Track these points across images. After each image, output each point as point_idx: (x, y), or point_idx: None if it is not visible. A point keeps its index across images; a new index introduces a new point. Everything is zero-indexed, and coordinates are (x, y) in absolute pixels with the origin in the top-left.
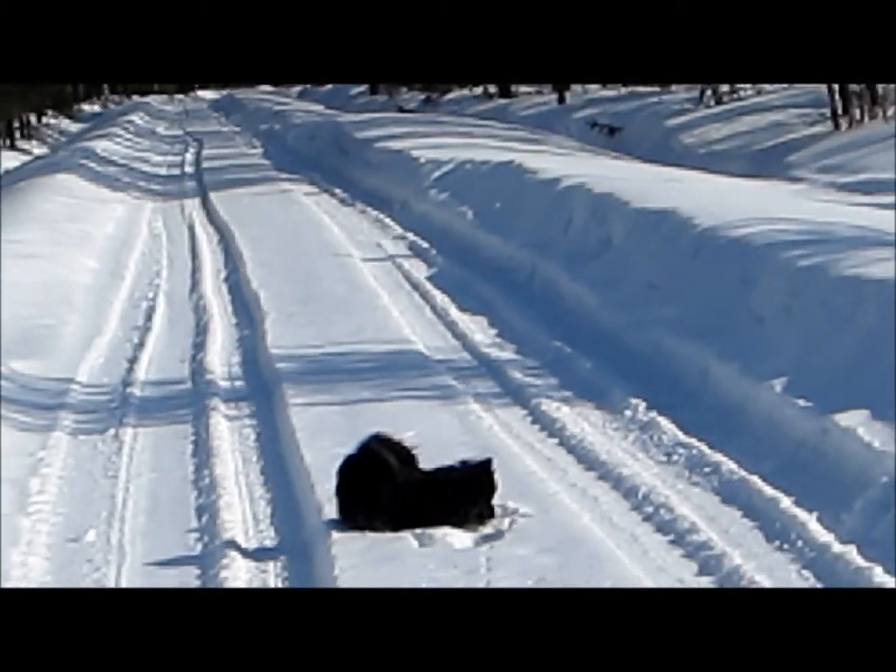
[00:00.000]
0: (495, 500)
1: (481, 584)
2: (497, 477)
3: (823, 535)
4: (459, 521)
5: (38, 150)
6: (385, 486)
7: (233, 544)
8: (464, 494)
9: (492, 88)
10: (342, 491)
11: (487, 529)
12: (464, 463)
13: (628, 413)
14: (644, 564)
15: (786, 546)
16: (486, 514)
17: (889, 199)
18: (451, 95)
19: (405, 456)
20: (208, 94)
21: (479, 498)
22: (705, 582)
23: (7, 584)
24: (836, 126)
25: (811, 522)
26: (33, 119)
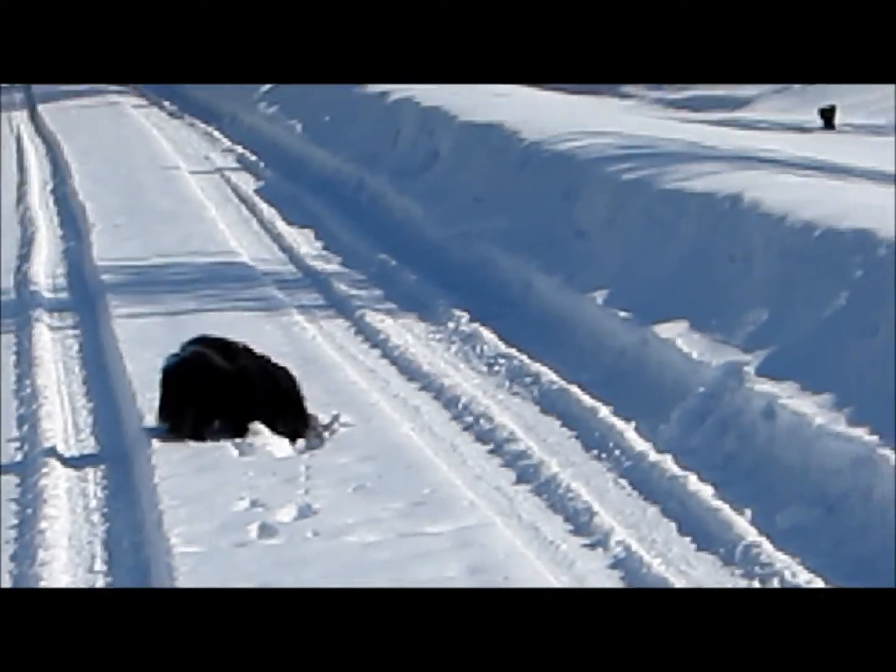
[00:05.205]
0: (316, 411)
1: (300, 492)
2: (301, 394)
3: (640, 444)
4: (274, 430)
5: None
6: (209, 384)
7: (53, 452)
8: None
9: None
10: (167, 392)
11: (308, 439)
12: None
13: (451, 324)
14: (462, 473)
15: (603, 455)
16: (301, 427)
17: (716, 115)
18: None
19: (230, 352)
20: None
21: (287, 414)
22: (522, 490)
23: None
24: None
25: (629, 432)
26: None
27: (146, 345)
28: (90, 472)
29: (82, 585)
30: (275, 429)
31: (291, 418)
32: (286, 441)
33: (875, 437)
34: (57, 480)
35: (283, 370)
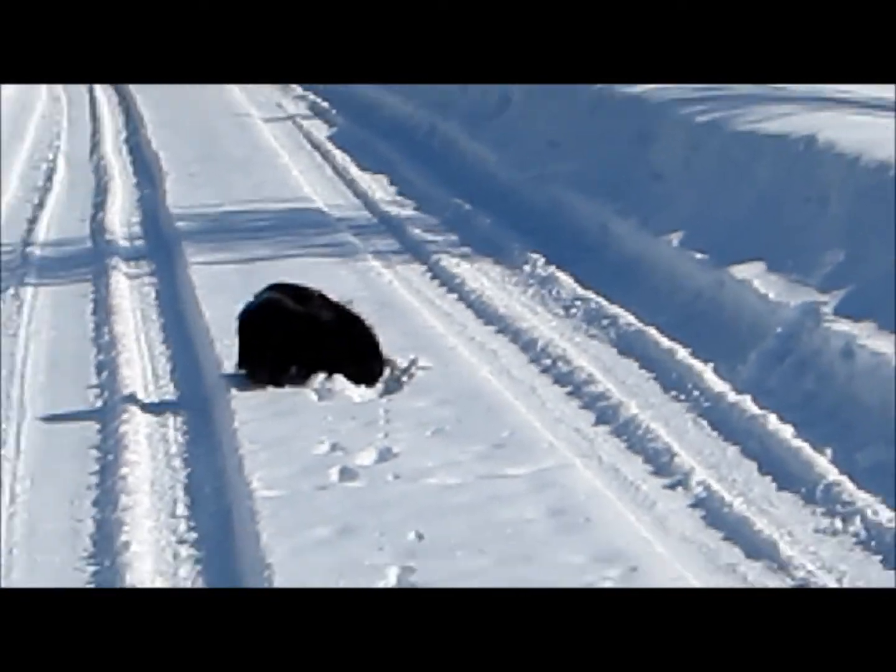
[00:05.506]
0: (394, 355)
1: (380, 436)
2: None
3: (719, 385)
4: (349, 375)
5: None
6: (285, 330)
7: (132, 399)
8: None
9: None
10: (243, 338)
11: (387, 383)
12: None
13: (527, 268)
14: (542, 415)
15: (682, 396)
16: (376, 373)
17: None
18: None
19: (306, 298)
20: None
21: (363, 359)
22: (601, 431)
23: None
24: None
25: (707, 373)
26: None
27: (222, 291)
28: (170, 419)
29: (165, 531)
30: (350, 374)
31: (367, 363)
32: (364, 386)
33: None
34: (137, 427)
35: (358, 317)
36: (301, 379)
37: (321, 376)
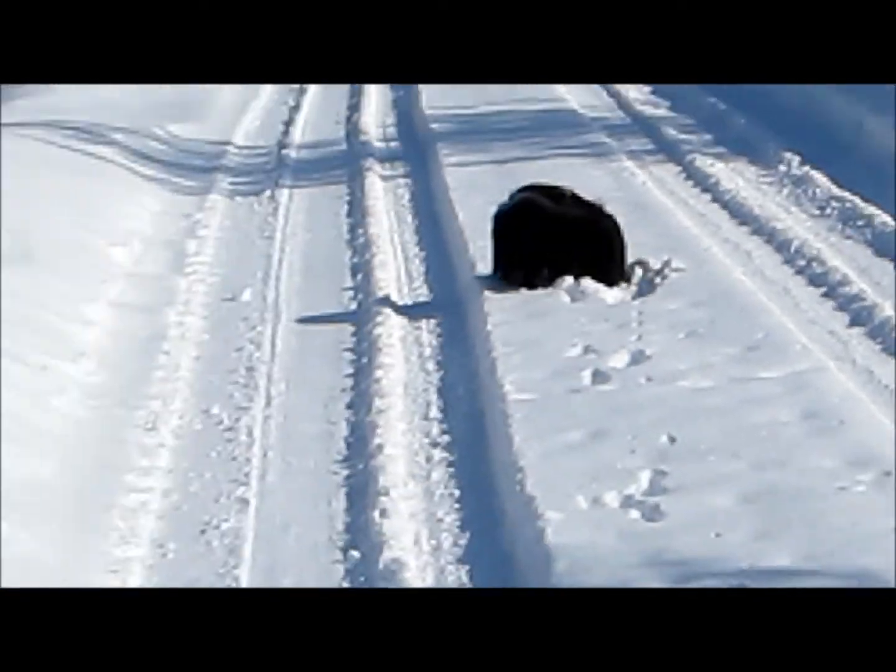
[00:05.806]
0: (647, 256)
1: (633, 338)
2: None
3: None
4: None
5: None
6: (539, 231)
7: (387, 301)
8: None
9: None
10: (498, 239)
11: (640, 285)
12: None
13: (782, 168)
14: (796, 317)
15: None
16: (617, 277)
17: None
18: None
19: (560, 198)
20: None
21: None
22: (855, 333)
23: (166, 344)
24: None
25: None
26: None
27: (476, 192)
28: (423, 321)
29: (418, 433)
30: (593, 275)
31: (607, 266)
32: (617, 288)
33: None
34: (391, 329)
35: (610, 218)
36: (550, 281)
37: (569, 279)
